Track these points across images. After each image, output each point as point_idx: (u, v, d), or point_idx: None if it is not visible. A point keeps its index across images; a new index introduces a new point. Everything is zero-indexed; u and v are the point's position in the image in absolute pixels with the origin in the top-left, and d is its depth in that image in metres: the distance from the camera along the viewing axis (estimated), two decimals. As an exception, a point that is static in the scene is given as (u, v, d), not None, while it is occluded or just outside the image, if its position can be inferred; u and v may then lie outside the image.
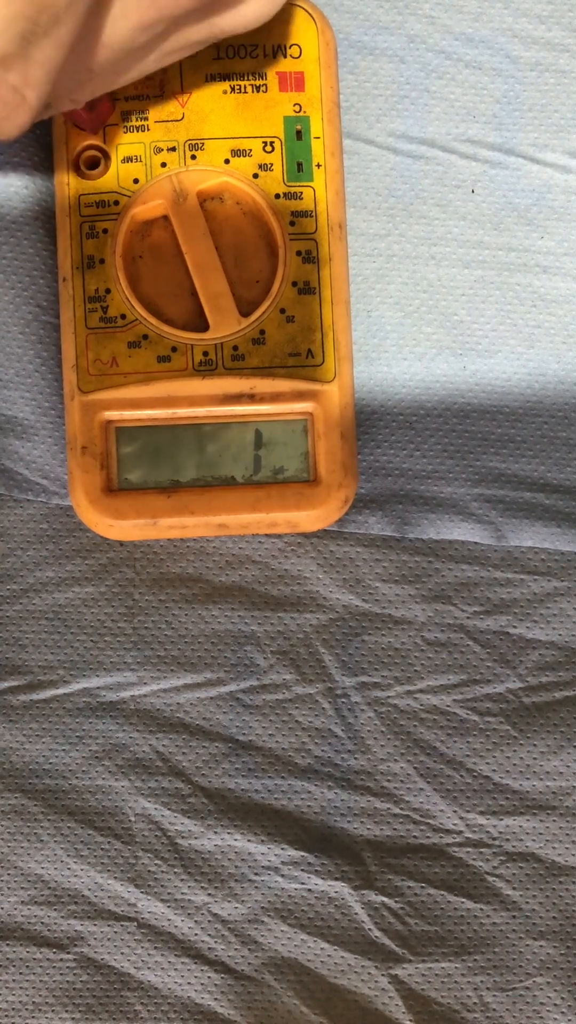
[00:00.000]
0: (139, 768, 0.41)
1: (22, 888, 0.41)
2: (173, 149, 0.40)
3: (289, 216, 0.40)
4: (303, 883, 0.41)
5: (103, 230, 0.39)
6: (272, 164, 0.40)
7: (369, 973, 0.40)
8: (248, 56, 0.40)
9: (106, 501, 0.39)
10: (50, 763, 0.41)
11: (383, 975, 0.40)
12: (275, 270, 0.40)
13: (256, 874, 0.41)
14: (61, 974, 0.40)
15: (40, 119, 0.35)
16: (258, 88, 0.40)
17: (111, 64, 0.33)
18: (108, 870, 0.41)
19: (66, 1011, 0.40)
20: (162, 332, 0.39)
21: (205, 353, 0.39)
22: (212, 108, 0.40)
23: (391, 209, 0.42)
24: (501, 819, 0.41)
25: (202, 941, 0.41)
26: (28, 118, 0.31)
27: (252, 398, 0.40)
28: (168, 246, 0.40)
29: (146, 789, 0.41)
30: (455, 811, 0.41)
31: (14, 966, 0.40)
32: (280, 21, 0.40)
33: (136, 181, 0.40)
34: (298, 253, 0.40)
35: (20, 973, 0.40)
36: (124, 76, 0.34)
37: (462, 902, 0.41)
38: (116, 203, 0.39)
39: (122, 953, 0.41)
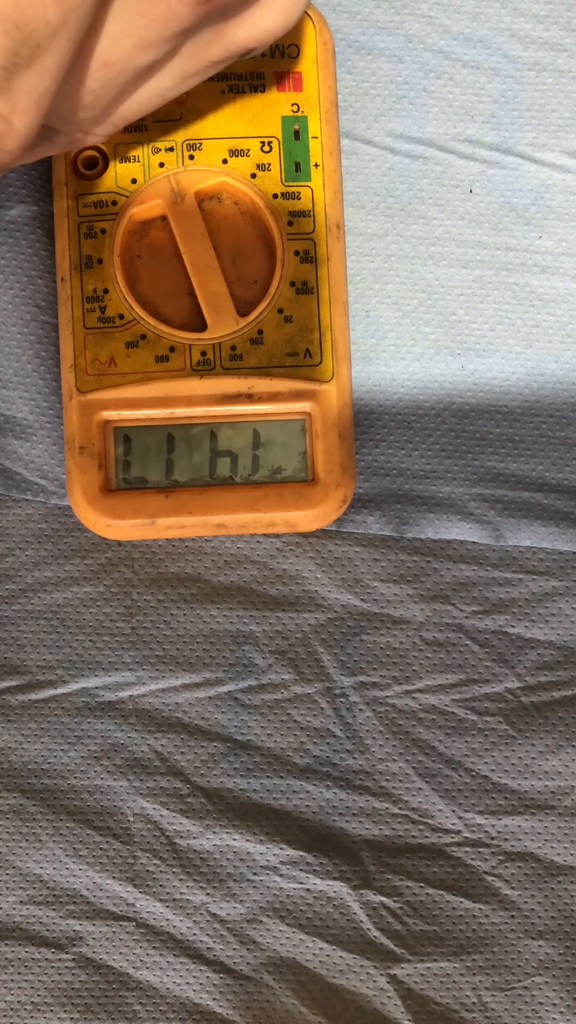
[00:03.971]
0: (138, 768, 0.41)
1: (20, 888, 0.41)
2: (171, 149, 0.40)
3: (287, 216, 0.40)
4: (302, 883, 0.41)
5: (101, 230, 0.40)
6: (270, 164, 0.40)
7: (368, 973, 0.40)
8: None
9: (104, 501, 0.39)
10: (48, 763, 0.41)
11: (381, 975, 0.40)
12: (273, 270, 0.40)
13: (255, 874, 0.41)
14: (60, 974, 0.40)
15: (57, 152, 0.35)
16: (256, 88, 0.40)
17: (118, 86, 0.32)
18: (107, 870, 0.41)
19: (64, 1011, 0.40)
20: (160, 332, 0.39)
21: (203, 353, 0.40)
22: (210, 108, 0.40)
23: (389, 209, 0.42)
24: (500, 819, 0.41)
25: (200, 941, 0.41)
26: (17, 145, 0.30)
27: (250, 398, 0.40)
28: (166, 246, 0.40)
29: (144, 789, 0.41)
30: (454, 811, 0.41)
31: (12, 966, 0.40)
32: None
33: (134, 181, 0.40)
34: (296, 253, 0.40)
35: (19, 973, 0.40)
36: (143, 102, 0.33)
37: (461, 902, 0.41)
38: (114, 203, 0.40)
39: (120, 953, 0.41)
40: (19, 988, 0.40)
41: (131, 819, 0.41)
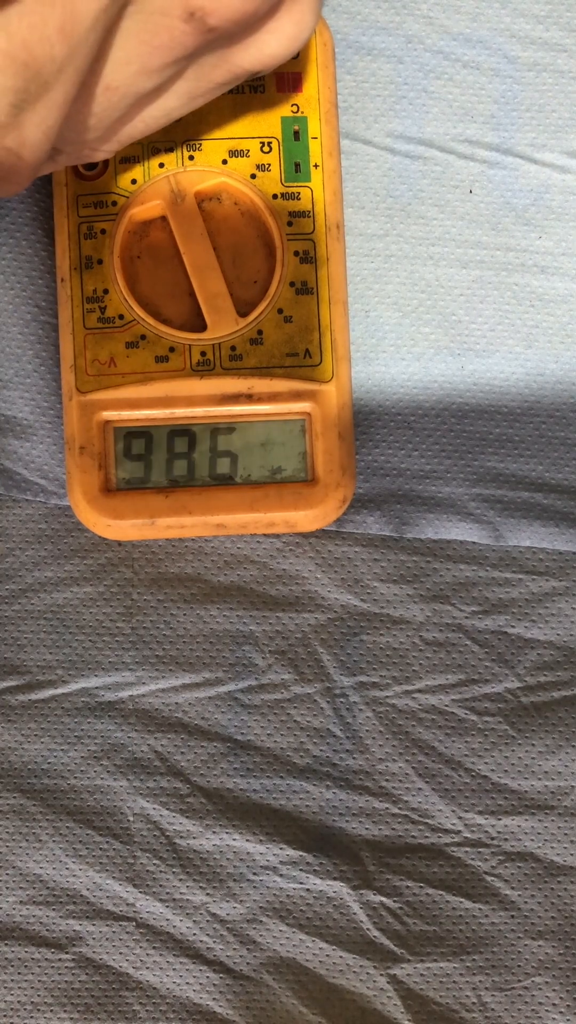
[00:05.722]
0: (138, 768, 0.41)
1: (20, 888, 0.41)
2: (171, 149, 0.40)
3: (287, 216, 0.40)
4: (301, 883, 0.41)
5: (101, 230, 0.40)
6: (270, 164, 0.40)
7: (368, 973, 0.40)
8: (246, 56, 0.40)
9: (104, 501, 0.39)
10: (49, 763, 0.41)
11: (381, 975, 0.40)
12: (273, 270, 0.40)
13: (255, 874, 0.41)
14: (60, 974, 0.40)
15: (61, 168, 0.35)
16: (256, 88, 0.40)
17: (121, 109, 0.32)
18: (107, 870, 0.41)
19: (64, 1011, 0.40)
20: (160, 332, 0.39)
21: (203, 353, 0.40)
22: (209, 108, 0.40)
23: (389, 209, 0.42)
24: (499, 819, 0.41)
25: (200, 941, 0.41)
26: (27, 176, 0.31)
27: (250, 398, 0.40)
28: (166, 246, 0.40)
29: (144, 789, 0.41)
30: (453, 811, 0.41)
31: (12, 966, 0.41)
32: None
33: (134, 182, 0.40)
34: (296, 253, 0.40)
35: (19, 973, 0.40)
36: (149, 121, 0.34)
37: (460, 902, 0.41)
38: (114, 204, 0.40)
39: (120, 953, 0.41)
40: (19, 988, 0.40)
41: (131, 819, 0.41)
